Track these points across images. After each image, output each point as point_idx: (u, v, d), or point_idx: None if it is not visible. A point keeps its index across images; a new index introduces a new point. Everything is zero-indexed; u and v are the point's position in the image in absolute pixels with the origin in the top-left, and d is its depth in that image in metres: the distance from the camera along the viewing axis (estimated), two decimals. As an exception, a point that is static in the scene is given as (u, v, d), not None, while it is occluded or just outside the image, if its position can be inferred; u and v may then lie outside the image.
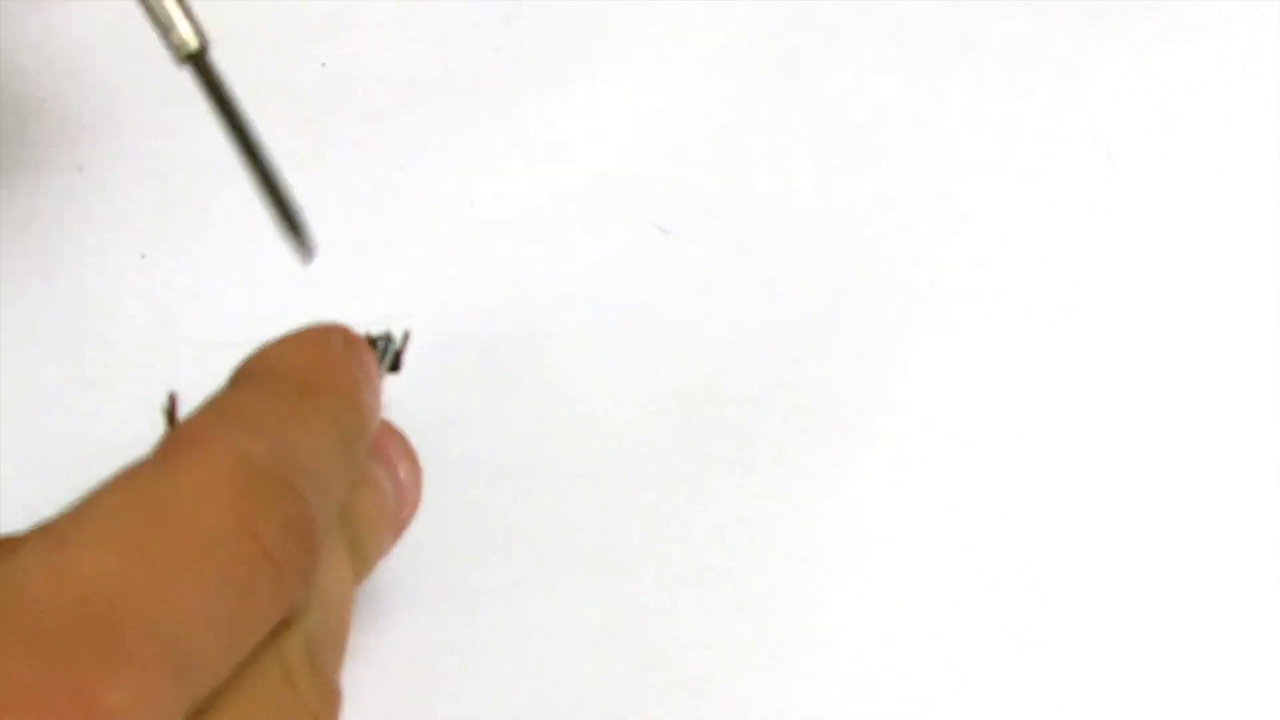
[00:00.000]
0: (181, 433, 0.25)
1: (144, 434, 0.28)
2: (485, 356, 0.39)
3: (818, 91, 0.44)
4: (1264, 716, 0.34)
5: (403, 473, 0.32)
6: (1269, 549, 0.36)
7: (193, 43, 0.30)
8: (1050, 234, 0.41)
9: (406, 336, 0.34)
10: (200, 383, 0.39)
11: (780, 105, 0.44)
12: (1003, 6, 0.46)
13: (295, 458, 0.26)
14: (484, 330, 0.40)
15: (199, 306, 0.40)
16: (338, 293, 0.39)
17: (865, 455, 0.37)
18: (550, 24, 0.46)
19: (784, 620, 0.35)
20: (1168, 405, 0.38)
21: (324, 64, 0.45)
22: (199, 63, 0.31)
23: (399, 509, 0.32)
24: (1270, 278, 0.40)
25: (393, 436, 0.33)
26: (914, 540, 0.36)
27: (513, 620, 0.35)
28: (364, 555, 0.31)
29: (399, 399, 0.35)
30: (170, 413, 0.31)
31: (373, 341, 0.33)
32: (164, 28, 0.30)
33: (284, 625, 0.26)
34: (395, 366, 0.33)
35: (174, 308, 0.40)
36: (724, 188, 0.42)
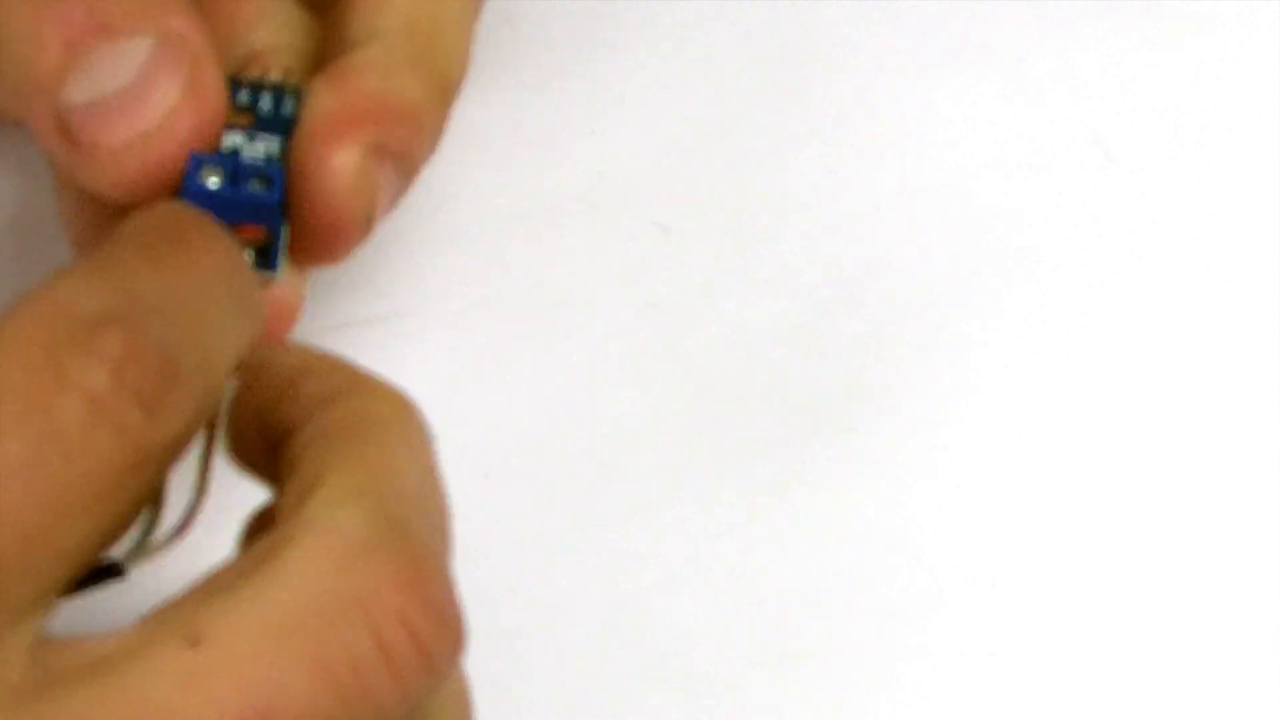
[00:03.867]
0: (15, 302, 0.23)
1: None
2: (484, 356, 0.39)
3: (818, 91, 0.44)
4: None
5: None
6: (1263, 540, 0.36)
7: None
8: (1050, 233, 0.41)
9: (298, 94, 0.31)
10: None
11: (780, 105, 0.44)
12: (1003, 6, 0.46)
13: (147, 302, 0.24)
14: (483, 329, 0.40)
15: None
16: (336, 290, 0.39)
17: (865, 455, 0.37)
18: (550, 24, 0.46)
19: (784, 620, 0.35)
20: (1168, 405, 0.38)
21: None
22: None
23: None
24: (1270, 277, 0.40)
25: None
26: (914, 540, 0.36)
27: (513, 620, 0.35)
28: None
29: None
30: None
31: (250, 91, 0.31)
32: None
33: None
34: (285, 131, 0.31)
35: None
36: (724, 188, 0.42)
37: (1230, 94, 0.44)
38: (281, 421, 0.26)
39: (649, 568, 0.36)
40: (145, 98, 0.28)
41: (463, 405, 0.38)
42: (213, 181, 0.29)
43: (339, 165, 0.30)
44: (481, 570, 0.36)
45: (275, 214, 0.30)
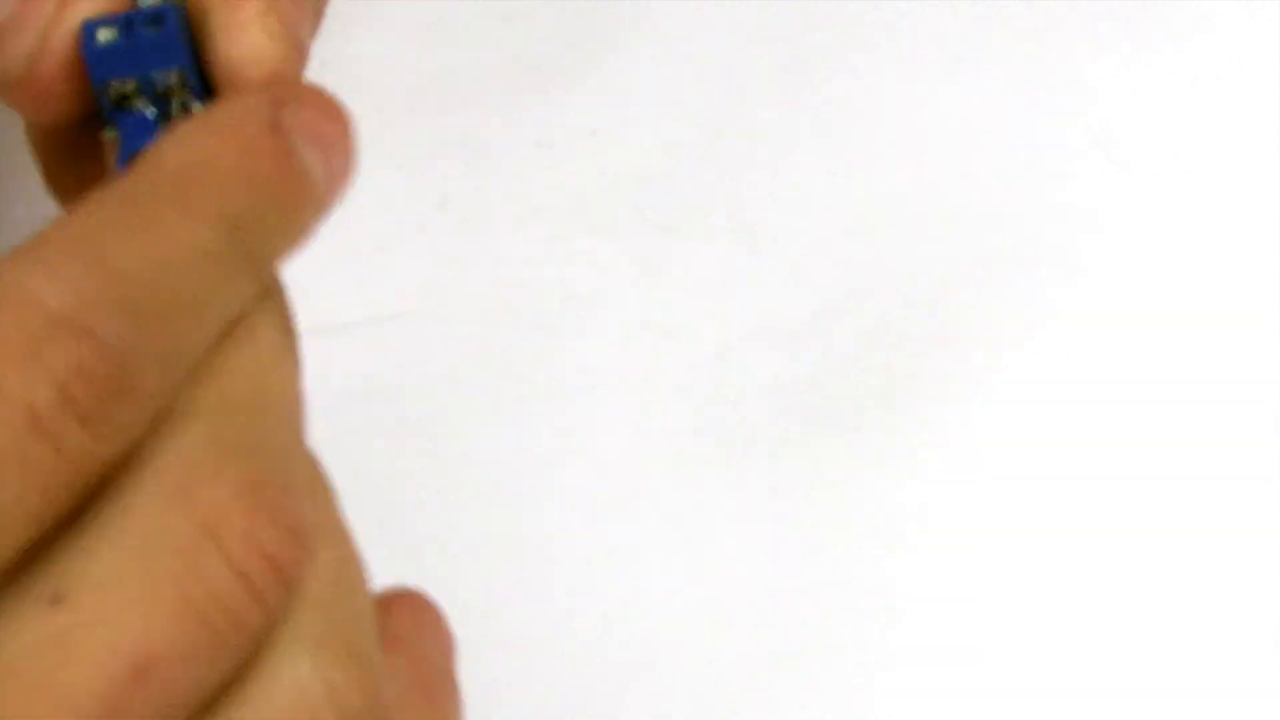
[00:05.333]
0: None
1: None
2: (485, 356, 0.39)
3: (818, 91, 0.44)
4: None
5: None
6: (1264, 539, 0.36)
7: None
8: (1050, 233, 0.41)
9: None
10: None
11: (780, 105, 0.44)
12: (1003, 6, 0.46)
13: (112, 290, 0.23)
14: (483, 329, 0.40)
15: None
16: (336, 290, 0.39)
17: (865, 455, 0.37)
18: (551, 23, 0.46)
19: (783, 620, 0.35)
20: (1168, 404, 0.38)
21: (324, 63, 0.45)
22: None
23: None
24: (1271, 277, 0.40)
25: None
26: (915, 539, 0.36)
27: (512, 620, 0.35)
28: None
29: (398, 398, 0.35)
30: None
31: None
32: None
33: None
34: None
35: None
36: (724, 188, 0.42)
37: (1231, 94, 0.44)
38: None
39: (649, 568, 0.36)
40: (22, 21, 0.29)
41: (463, 405, 0.38)
42: (105, 37, 0.29)
43: None
44: (481, 570, 0.36)
45: (178, 50, 0.29)
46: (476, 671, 0.34)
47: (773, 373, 0.39)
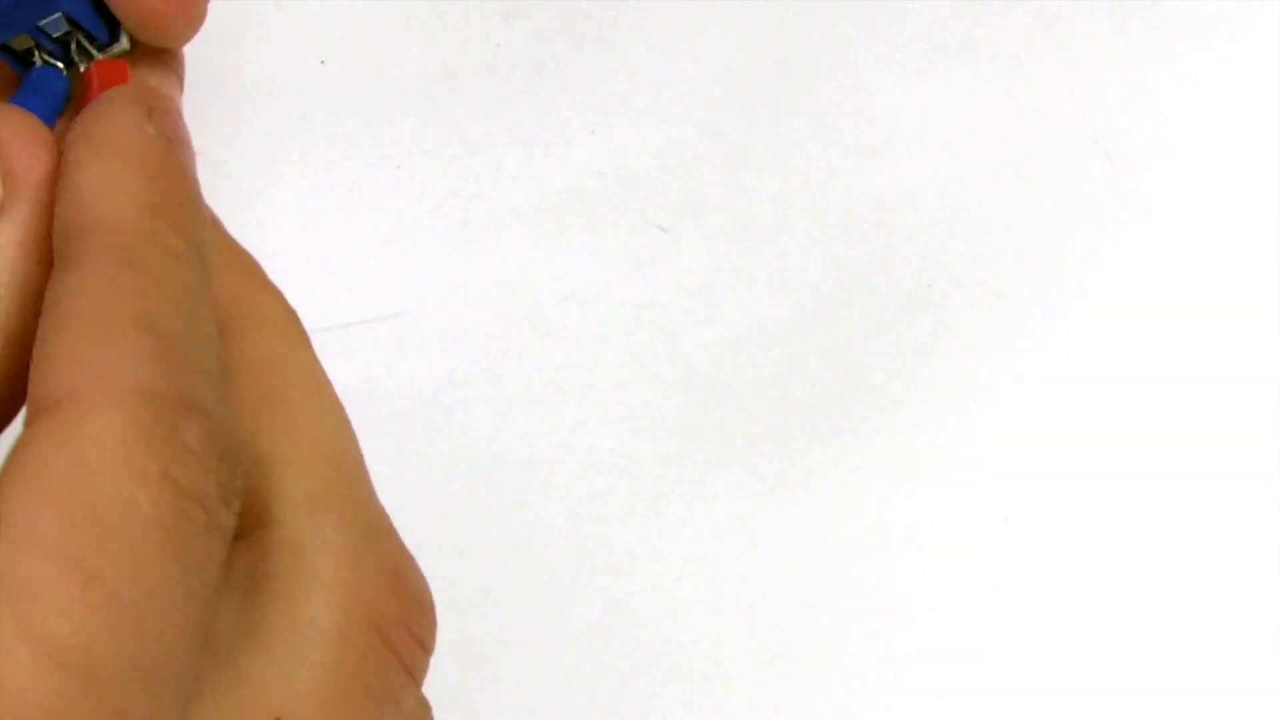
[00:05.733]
0: (58, 382, 0.23)
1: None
2: (484, 355, 0.39)
3: (818, 91, 0.44)
4: None
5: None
6: (1264, 539, 0.36)
7: None
8: (1050, 233, 0.41)
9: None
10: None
11: (780, 105, 0.44)
12: (1002, 6, 0.46)
13: (179, 346, 0.23)
14: (483, 329, 0.40)
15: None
16: (336, 289, 0.39)
17: (864, 454, 0.37)
18: (550, 23, 0.46)
19: (783, 620, 0.35)
20: (1167, 403, 0.38)
21: (323, 61, 0.45)
22: None
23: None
24: (1270, 277, 0.40)
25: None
26: (915, 539, 0.36)
27: (512, 620, 0.35)
28: None
29: (397, 398, 0.35)
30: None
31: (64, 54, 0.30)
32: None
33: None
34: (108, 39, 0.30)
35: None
36: (724, 188, 0.42)
37: (1230, 95, 0.44)
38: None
39: (649, 568, 0.36)
40: None
41: (463, 405, 0.38)
42: None
43: None
44: (481, 570, 0.36)
45: None
46: (477, 671, 0.34)
47: (772, 372, 0.39)
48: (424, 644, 0.25)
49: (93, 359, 0.23)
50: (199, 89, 0.44)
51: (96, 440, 0.22)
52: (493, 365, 0.39)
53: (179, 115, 0.28)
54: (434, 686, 0.34)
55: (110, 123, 0.26)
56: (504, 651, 0.34)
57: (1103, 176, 0.42)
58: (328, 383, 0.27)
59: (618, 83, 0.45)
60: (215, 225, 0.28)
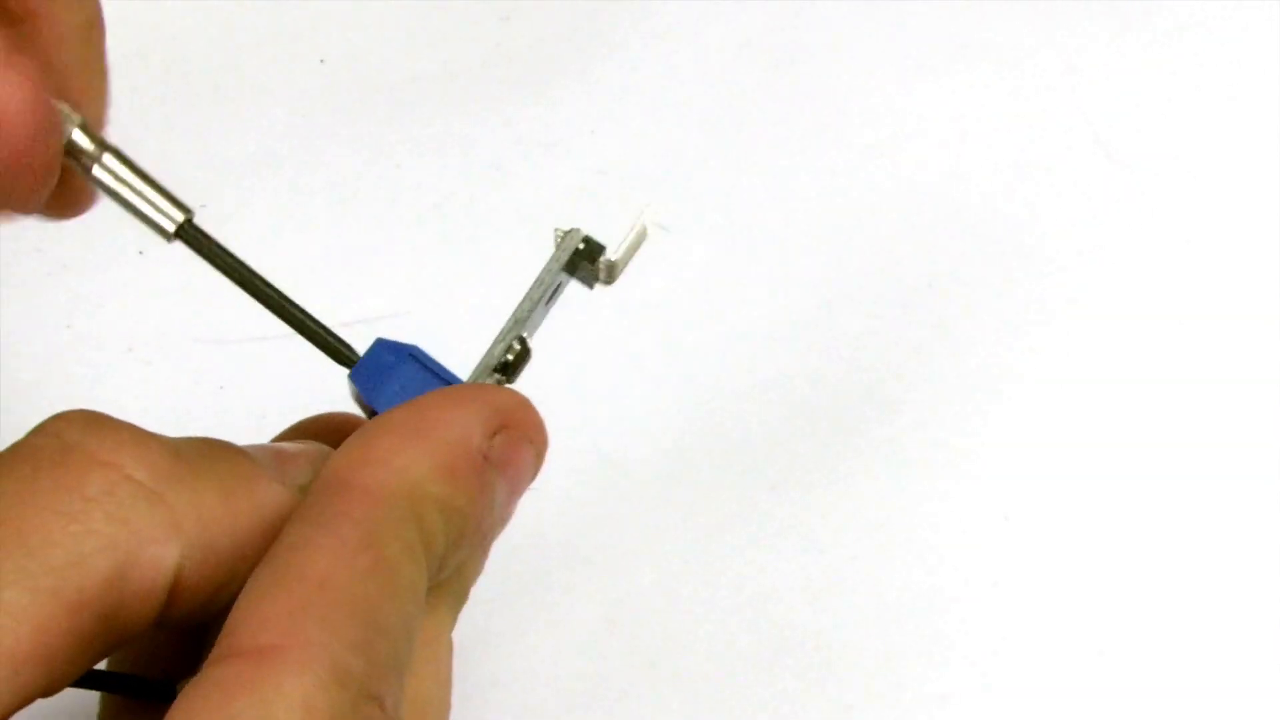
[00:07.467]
0: (264, 631, 0.24)
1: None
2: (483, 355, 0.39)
3: (818, 91, 0.44)
4: None
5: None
6: (1264, 538, 0.36)
7: (177, 218, 0.30)
8: (1050, 233, 0.41)
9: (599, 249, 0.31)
10: (198, 379, 0.39)
11: (780, 105, 0.44)
12: (1002, 6, 0.46)
13: (386, 641, 0.25)
14: (483, 328, 0.40)
15: (197, 304, 0.40)
16: (336, 290, 0.39)
17: (865, 453, 0.37)
18: (549, 23, 0.46)
19: (784, 619, 0.35)
20: (1167, 403, 0.38)
21: (323, 60, 0.45)
22: (187, 233, 0.30)
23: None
24: (1270, 277, 0.40)
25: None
26: (915, 538, 0.36)
27: (513, 619, 0.35)
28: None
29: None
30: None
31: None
32: (145, 217, 0.30)
33: None
34: None
35: (172, 305, 0.40)
36: (724, 188, 0.42)
37: (1230, 94, 0.44)
38: None
39: (649, 568, 0.36)
40: None
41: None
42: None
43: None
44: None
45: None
46: (477, 671, 0.34)
47: (772, 371, 0.39)
48: None
49: (306, 626, 0.24)
50: (199, 89, 0.45)
51: (286, 696, 0.23)
52: (493, 365, 0.39)
53: (524, 446, 0.29)
54: (434, 686, 0.34)
55: (451, 421, 0.28)
56: (503, 651, 0.34)
57: (1103, 176, 0.42)
58: (449, 654, 0.28)
59: (617, 82, 0.45)
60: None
